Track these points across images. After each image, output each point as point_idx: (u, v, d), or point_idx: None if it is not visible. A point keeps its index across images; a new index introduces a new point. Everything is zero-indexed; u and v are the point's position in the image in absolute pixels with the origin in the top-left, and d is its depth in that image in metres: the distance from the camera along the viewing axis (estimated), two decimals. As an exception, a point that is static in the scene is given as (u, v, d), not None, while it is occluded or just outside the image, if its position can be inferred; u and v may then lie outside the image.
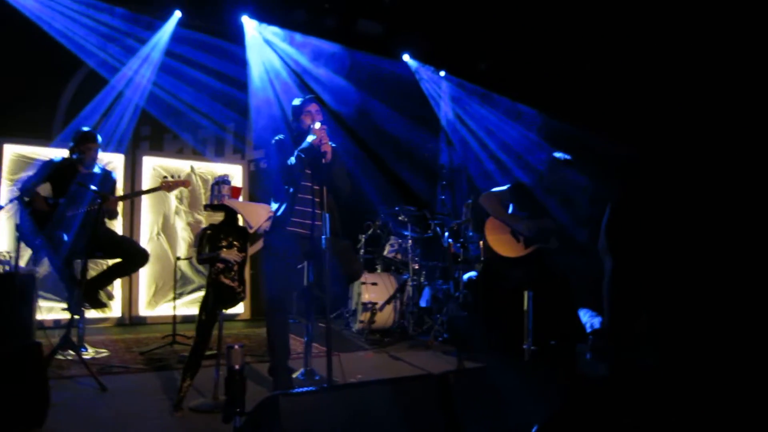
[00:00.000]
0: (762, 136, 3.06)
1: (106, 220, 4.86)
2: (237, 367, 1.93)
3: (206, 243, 3.42)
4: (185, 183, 4.83)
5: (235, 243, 3.41)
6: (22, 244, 4.46)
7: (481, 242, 4.69)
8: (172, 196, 6.82)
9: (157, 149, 7.04)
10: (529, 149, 5.77)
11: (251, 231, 3.44)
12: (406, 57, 7.73)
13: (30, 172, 4.77)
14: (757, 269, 2.77)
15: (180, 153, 7.17)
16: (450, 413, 2.28)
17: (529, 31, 6.23)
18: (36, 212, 4.44)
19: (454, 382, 2.35)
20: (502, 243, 4.50)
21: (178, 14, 6.46)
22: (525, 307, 4.49)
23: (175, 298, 5.64)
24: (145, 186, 6.67)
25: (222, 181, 3.47)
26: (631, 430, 2.34)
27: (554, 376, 2.76)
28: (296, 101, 3.96)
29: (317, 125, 3.63)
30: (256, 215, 3.43)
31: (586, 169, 4.36)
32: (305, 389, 2.13)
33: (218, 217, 3.62)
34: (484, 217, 4.75)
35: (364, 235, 6.77)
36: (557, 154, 4.61)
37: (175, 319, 5.27)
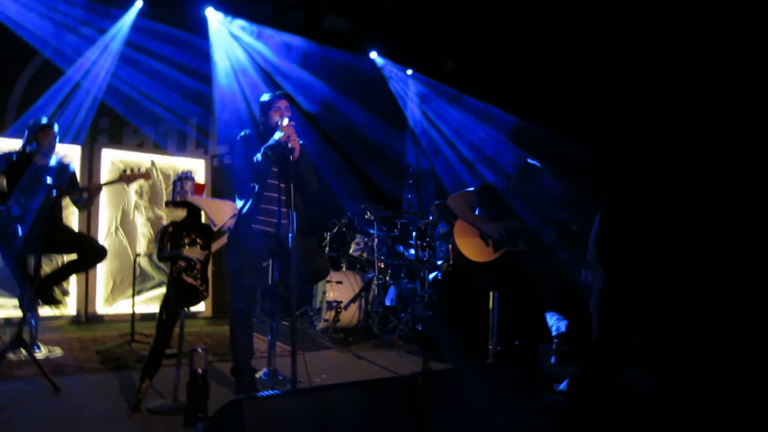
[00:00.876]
0: (757, 139, 3.03)
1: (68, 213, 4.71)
2: (200, 370, 1.87)
3: (168, 240, 3.32)
4: (146, 176, 4.69)
5: (198, 240, 3.32)
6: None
7: (450, 245, 4.66)
8: (132, 190, 6.64)
9: (117, 142, 6.83)
10: (498, 151, 5.80)
11: (215, 228, 3.36)
12: (373, 54, 7.70)
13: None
14: (756, 282, 2.73)
15: (140, 146, 6.97)
16: (418, 417, 2.26)
17: (499, 30, 6.24)
18: (-13, 205, 4.25)
19: (422, 385, 2.33)
20: (471, 246, 4.48)
21: (139, 4, 6.27)
22: (491, 307, 4.51)
23: (134, 295, 5.49)
24: (104, 179, 6.48)
25: (185, 177, 3.38)
26: None
27: (520, 379, 2.77)
28: (265, 97, 3.88)
29: (285, 122, 3.56)
30: (220, 212, 3.35)
31: (557, 174, 4.38)
32: (270, 392, 2.09)
33: (180, 213, 3.51)
34: (452, 219, 4.74)
35: (329, 233, 6.72)
36: (530, 161, 4.62)
37: (134, 317, 5.13)
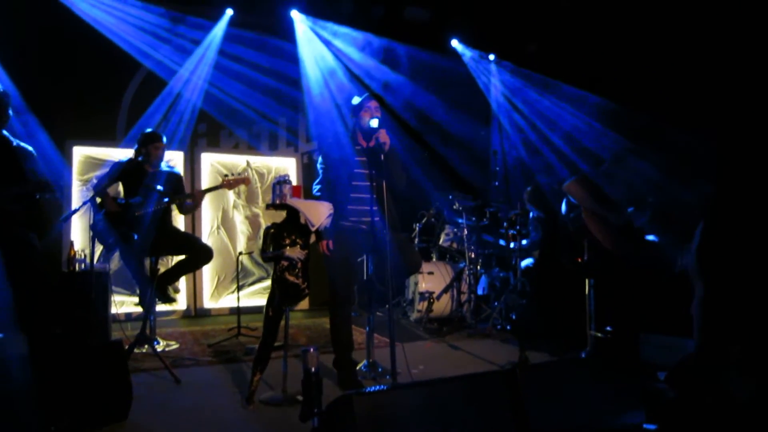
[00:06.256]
0: None
1: (174, 215, 5.07)
2: (313, 369, 2.01)
3: (270, 241, 3.52)
4: (246, 180, 4.97)
5: (298, 241, 3.50)
6: (96, 243, 4.69)
7: (580, 238, 4.53)
8: (230, 191, 7.01)
9: (214, 145, 7.25)
10: (588, 136, 5.63)
11: (313, 229, 3.52)
12: (454, 42, 7.66)
13: (101, 173, 5.01)
14: None
15: (236, 148, 7.37)
16: (518, 409, 2.31)
17: (586, 7, 6.02)
18: (108, 212, 4.66)
19: (521, 378, 2.37)
20: (603, 236, 4.37)
21: (230, 12, 6.59)
22: (586, 294, 4.45)
23: (238, 290, 5.83)
24: (204, 181, 6.91)
25: (283, 180, 3.56)
26: None
27: (621, 371, 2.74)
28: (355, 99, 4.02)
29: (375, 122, 3.68)
30: (317, 214, 3.51)
31: (652, 159, 4.22)
32: (377, 388, 2.20)
33: (276, 212, 3.71)
34: (572, 209, 4.62)
35: (418, 225, 6.81)
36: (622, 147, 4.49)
37: (239, 311, 5.46)
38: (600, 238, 4.41)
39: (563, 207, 4.79)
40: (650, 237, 4.42)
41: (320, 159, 3.92)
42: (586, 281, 4.50)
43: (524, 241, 6.12)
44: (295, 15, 6.82)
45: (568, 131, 6.15)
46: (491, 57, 7.79)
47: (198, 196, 4.90)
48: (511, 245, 5.87)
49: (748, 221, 2.71)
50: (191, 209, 5.09)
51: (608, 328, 4.50)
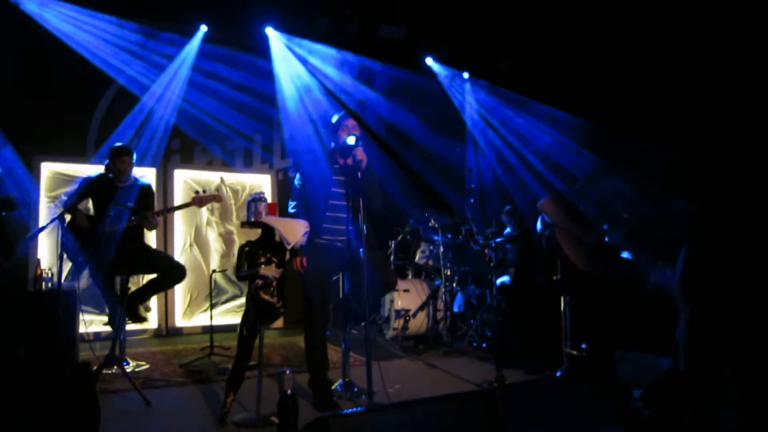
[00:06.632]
0: None
1: (145, 232, 4.96)
2: (289, 391, 1.97)
3: (245, 259, 3.47)
4: (217, 198, 4.90)
5: (273, 259, 3.46)
6: (65, 260, 4.56)
7: (555, 257, 4.53)
8: (204, 208, 6.90)
9: (188, 162, 7.15)
10: (562, 153, 5.71)
11: (288, 247, 3.48)
12: (429, 60, 7.73)
13: (70, 189, 4.89)
14: None
15: (210, 165, 7.27)
16: (498, 430, 2.28)
17: (557, 26, 6.11)
18: (78, 229, 4.54)
19: (500, 398, 2.35)
20: (576, 256, 4.38)
21: (204, 29, 6.55)
22: (561, 311, 4.47)
23: (211, 310, 5.72)
24: (177, 198, 6.80)
25: (258, 198, 3.52)
26: None
27: (597, 390, 2.74)
28: (334, 118, 4.02)
29: (352, 139, 3.67)
30: (293, 231, 3.47)
31: (625, 176, 4.28)
32: (353, 410, 2.16)
33: (251, 230, 3.66)
34: (547, 227, 4.63)
35: (393, 242, 6.79)
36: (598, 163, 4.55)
37: (212, 330, 5.35)
38: (572, 258, 4.43)
39: (538, 225, 4.83)
40: (625, 254, 4.47)
41: (297, 176, 3.89)
42: (562, 299, 4.53)
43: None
44: (270, 32, 6.81)
45: (542, 149, 6.22)
46: (465, 75, 7.87)
47: (149, 216, 4.75)
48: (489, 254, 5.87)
49: (733, 244, 2.73)
50: (155, 226, 4.99)
51: (583, 346, 4.52)
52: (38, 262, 5.07)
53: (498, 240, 5.86)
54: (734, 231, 2.77)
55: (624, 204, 4.30)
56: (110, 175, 4.77)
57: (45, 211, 6.05)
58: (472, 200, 6.67)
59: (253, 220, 3.51)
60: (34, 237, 5.34)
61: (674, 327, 3.09)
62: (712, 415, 2.52)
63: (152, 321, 6.48)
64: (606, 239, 4.38)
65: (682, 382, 2.70)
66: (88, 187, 4.74)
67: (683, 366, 2.65)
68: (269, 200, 3.60)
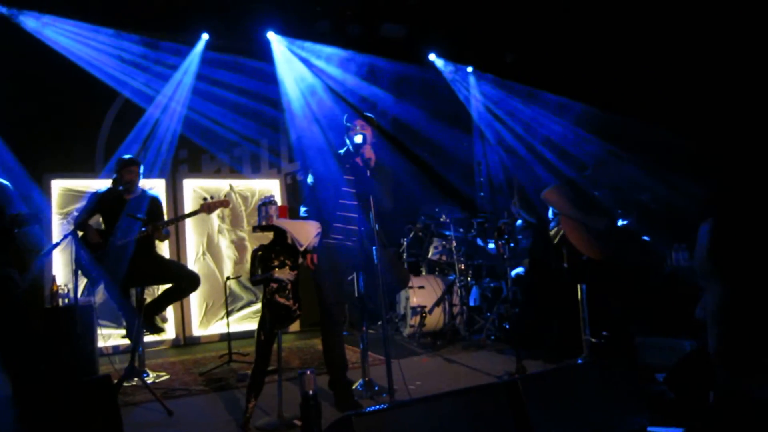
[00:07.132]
0: None
1: (157, 243, 4.97)
2: (311, 392, 1.95)
3: (258, 264, 3.46)
4: (225, 203, 4.89)
5: (286, 262, 3.44)
6: (80, 275, 4.58)
7: (559, 245, 4.49)
8: (214, 216, 6.92)
9: (196, 171, 7.17)
10: (571, 141, 5.65)
11: (301, 249, 3.47)
12: (432, 56, 7.69)
13: (80, 205, 4.91)
14: None
15: (218, 173, 7.29)
16: (522, 420, 2.26)
17: (564, 15, 6.04)
18: (90, 244, 4.55)
19: (523, 388, 2.33)
20: (583, 244, 4.35)
21: (205, 37, 6.55)
22: (579, 299, 4.43)
23: (228, 317, 5.73)
24: (187, 207, 6.80)
25: (269, 201, 3.51)
26: None
27: (620, 376, 2.71)
28: (344, 119, 4.00)
29: (358, 137, 3.65)
30: (305, 233, 3.46)
31: (636, 160, 4.24)
32: (376, 407, 2.14)
33: (262, 235, 3.65)
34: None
35: (405, 239, 6.76)
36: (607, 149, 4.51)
37: (230, 337, 5.35)
38: (577, 245, 4.40)
39: (550, 213, 4.79)
40: (644, 237, 4.42)
41: (310, 176, 3.88)
42: (578, 287, 4.48)
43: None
44: (272, 36, 6.80)
45: (550, 138, 6.17)
46: (469, 69, 7.83)
47: (160, 226, 4.74)
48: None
49: (763, 212, 2.65)
50: (167, 236, 4.99)
51: (604, 333, 4.48)
52: (53, 278, 5.12)
53: (506, 238, 5.82)
54: (762, 199, 2.70)
55: (636, 188, 4.25)
56: (120, 188, 4.78)
57: (57, 228, 6.08)
58: (482, 193, 6.62)
59: (264, 223, 3.49)
60: (48, 254, 5.36)
61: (694, 309, 3.04)
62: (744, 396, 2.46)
63: (170, 331, 6.49)
64: (618, 223, 4.33)
65: (709, 363, 2.64)
66: (97, 201, 4.75)
67: (714, 347, 2.57)
68: (279, 203, 3.58)
